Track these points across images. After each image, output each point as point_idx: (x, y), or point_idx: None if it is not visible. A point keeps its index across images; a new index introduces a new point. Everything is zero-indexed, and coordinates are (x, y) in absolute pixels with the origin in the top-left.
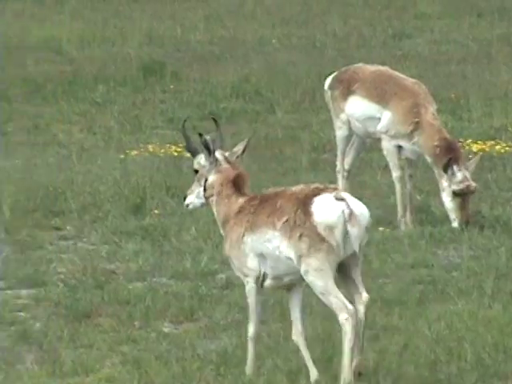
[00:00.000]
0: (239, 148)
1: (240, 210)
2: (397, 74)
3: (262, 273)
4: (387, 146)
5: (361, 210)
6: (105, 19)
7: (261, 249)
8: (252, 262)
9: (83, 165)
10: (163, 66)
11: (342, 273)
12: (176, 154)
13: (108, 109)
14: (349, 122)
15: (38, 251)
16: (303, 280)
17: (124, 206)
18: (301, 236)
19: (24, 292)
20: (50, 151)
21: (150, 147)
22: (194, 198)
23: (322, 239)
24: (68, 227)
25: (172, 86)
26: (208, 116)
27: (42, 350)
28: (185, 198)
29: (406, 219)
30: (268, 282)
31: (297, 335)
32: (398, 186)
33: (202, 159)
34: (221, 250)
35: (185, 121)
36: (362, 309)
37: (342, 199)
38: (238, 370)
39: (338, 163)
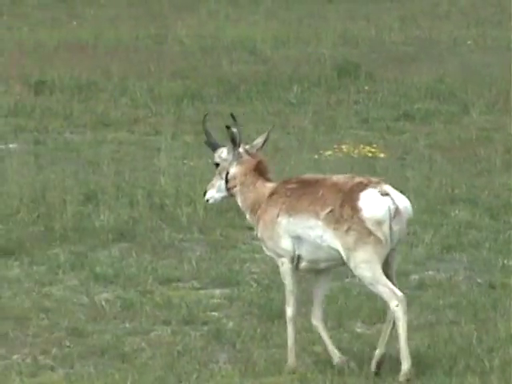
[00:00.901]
0: (259, 141)
1: (273, 193)
2: None
3: (296, 254)
4: None
5: (404, 204)
6: (299, 19)
7: (299, 233)
8: (286, 243)
9: (277, 164)
10: (357, 67)
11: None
12: (370, 154)
13: (302, 109)
14: None
15: (232, 251)
16: (339, 266)
17: None
18: (348, 230)
19: (217, 291)
20: None
21: (344, 148)
22: (214, 192)
23: (369, 233)
24: None
25: (366, 87)
26: (402, 116)
27: (235, 350)
28: (205, 194)
29: None
30: (303, 265)
31: (316, 320)
32: None
33: (223, 153)
34: (415, 249)
35: (205, 115)
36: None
37: (387, 194)
38: (431, 371)
39: None
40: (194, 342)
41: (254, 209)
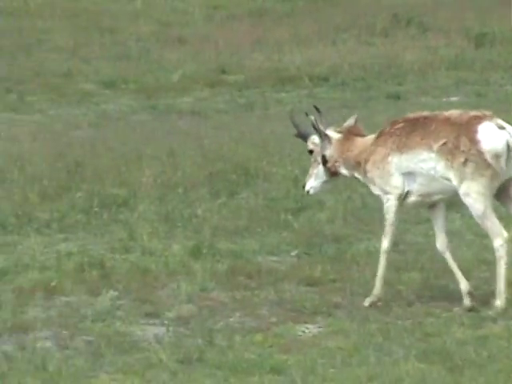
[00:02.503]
0: (350, 122)
1: (380, 134)
2: None
3: (405, 190)
4: None
5: None
6: None
7: (412, 168)
8: (397, 181)
9: None
10: None
11: (502, 194)
12: None
13: None
14: None
15: None
16: (449, 199)
17: None
18: (466, 161)
19: None
20: None
21: None
22: (313, 181)
23: (488, 165)
24: None
25: None
26: None
27: None
28: (303, 187)
29: None
30: (411, 199)
31: (441, 245)
32: None
33: (315, 139)
34: None
35: (291, 110)
36: None
37: (503, 127)
38: None
39: None
40: None
41: (360, 162)
